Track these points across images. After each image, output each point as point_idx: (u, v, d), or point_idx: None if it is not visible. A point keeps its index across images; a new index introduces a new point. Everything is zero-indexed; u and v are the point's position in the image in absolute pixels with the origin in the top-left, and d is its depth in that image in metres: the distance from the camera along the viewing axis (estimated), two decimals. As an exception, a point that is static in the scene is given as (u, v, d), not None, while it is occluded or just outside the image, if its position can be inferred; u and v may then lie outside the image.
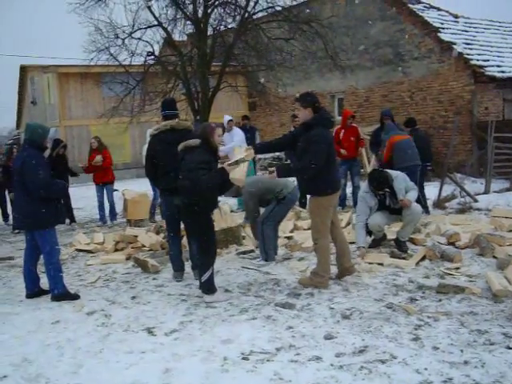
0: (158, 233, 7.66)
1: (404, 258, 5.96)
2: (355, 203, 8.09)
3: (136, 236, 7.35)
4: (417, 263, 5.73)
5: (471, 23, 15.68)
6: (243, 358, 3.64)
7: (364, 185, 6.55)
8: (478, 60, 13.33)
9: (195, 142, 4.88)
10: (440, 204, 9.19)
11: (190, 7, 12.18)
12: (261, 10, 12.54)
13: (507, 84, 13.54)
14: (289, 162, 14.43)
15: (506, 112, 14.09)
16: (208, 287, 4.91)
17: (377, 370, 3.37)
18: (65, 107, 19.16)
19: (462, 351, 3.57)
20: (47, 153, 7.50)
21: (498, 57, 14.05)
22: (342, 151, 9.02)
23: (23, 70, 22.75)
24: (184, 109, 11.98)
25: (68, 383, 3.46)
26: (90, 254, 7.21)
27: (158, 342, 4.00)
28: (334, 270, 5.31)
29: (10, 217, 9.86)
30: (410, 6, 14.61)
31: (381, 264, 5.76)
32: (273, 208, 6.10)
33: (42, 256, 5.23)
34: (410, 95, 14.63)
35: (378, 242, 6.56)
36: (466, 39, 14.21)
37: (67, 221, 9.59)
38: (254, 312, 4.53)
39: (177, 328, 4.27)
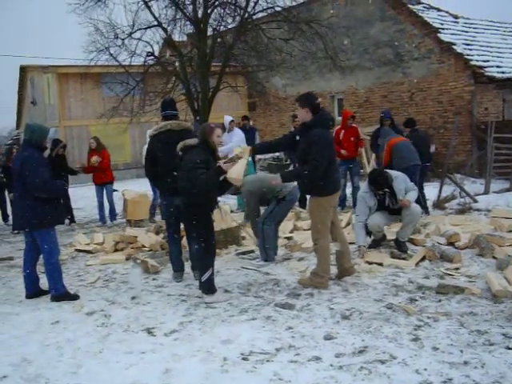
0: (157, 233, 7.66)
1: (404, 259, 5.96)
2: (355, 203, 8.09)
3: (136, 236, 7.35)
4: (416, 264, 5.73)
5: (471, 24, 15.67)
6: (243, 359, 3.64)
7: (364, 185, 6.55)
8: (477, 60, 13.32)
9: (193, 141, 4.89)
10: (440, 204, 9.18)
11: (190, 7, 12.20)
12: (261, 11, 12.56)
13: (507, 84, 13.55)
14: (289, 162, 14.48)
15: (505, 112, 14.10)
16: (208, 287, 4.91)
17: (376, 370, 3.37)
18: (64, 107, 19.13)
19: (461, 352, 3.57)
20: (47, 153, 7.50)
21: (498, 57, 14.05)
22: (342, 151, 9.03)
23: (23, 70, 22.74)
24: (184, 109, 12.00)
25: (68, 383, 3.46)
26: (90, 255, 7.20)
27: (157, 343, 4.00)
28: (333, 270, 5.31)
29: (10, 217, 9.84)
30: (409, 6, 14.60)
31: (380, 264, 5.76)
32: (273, 208, 6.11)
33: (41, 256, 5.23)
34: (409, 96, 14.63)
35: (378, 242, 6.56)
36: (466, 40, 14.21)
37: (67, 221, 9.58)
38: (253, 312, 4.53)
39: (176, 328, 4.27)
